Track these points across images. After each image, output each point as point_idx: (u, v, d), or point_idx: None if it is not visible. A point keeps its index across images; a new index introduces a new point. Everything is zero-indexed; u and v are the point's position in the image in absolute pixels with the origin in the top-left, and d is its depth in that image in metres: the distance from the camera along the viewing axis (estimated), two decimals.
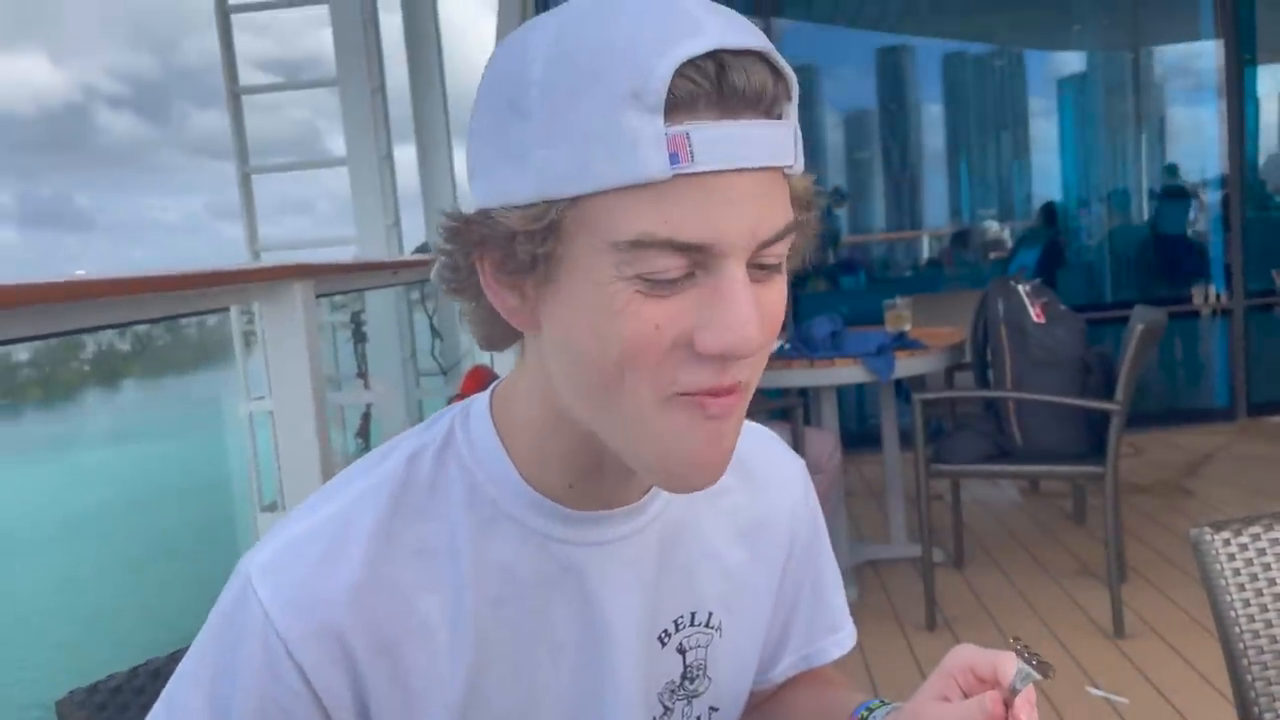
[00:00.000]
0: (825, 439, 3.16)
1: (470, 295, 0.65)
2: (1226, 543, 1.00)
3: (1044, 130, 6.88)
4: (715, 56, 0.54)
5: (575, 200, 0.56)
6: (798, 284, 5.63)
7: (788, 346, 3.26)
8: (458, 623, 0.66)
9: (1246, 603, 0.99)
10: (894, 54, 6.92)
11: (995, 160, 7.23)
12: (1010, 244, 6.64)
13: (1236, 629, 0.98)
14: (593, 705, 0.71)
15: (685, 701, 0.76)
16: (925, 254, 7.14)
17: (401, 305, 4.37)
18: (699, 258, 0.56)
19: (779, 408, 3.21)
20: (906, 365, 3.17)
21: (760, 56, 0.56)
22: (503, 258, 0.60)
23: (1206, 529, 1.01)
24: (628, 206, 0.55)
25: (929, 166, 7.00)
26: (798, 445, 2.91)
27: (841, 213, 6.52)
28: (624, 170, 0.54)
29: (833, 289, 6.29)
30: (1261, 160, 5.84)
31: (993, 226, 6.93)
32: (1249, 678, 0.97)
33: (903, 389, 3.72)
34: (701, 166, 0.54)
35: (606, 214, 0.56)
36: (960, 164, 7.13)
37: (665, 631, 0.74)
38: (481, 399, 0.71)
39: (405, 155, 4.45)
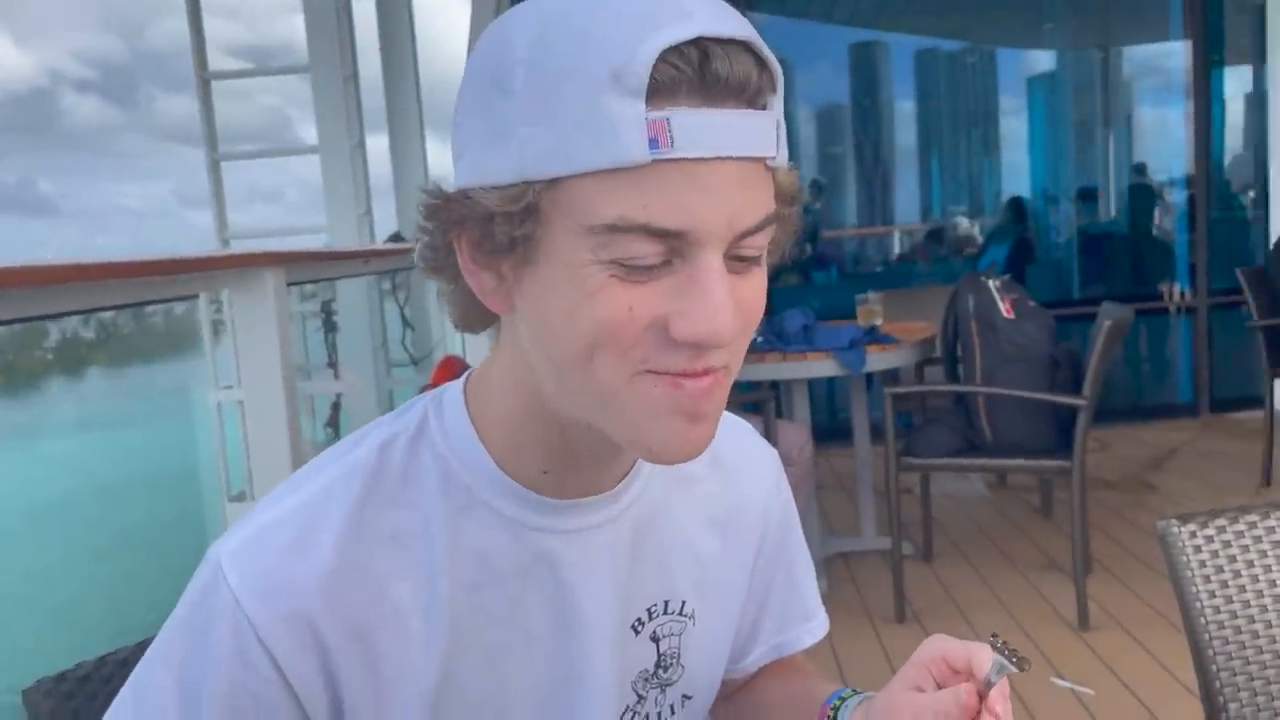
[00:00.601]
0: (797, 431, 3.17)
1: (449, 275, 0.65)
2: (1193, 535, 1.01)
3: (1014, 128, 6.95)
4: (699, 43, 0.54)
5: (554, 182, 0.56)
6: (772, 278, 5.60)
7: (760, 339, 3.27)
8: (431, 610, 0.66)
9: (1212, 594, 1.00)
10: (868, 50, 6.96)
11: (966, 157, 7.29)
12: (981, 240, 6.70)
13: (1202, 620, 0.99)
14: (566, 693, 0.71)
15: (659, 690, 0.77)
16: (897, 249, 7.19)
17: (373, 295, 4.35)
18: (676, 245, 0.56)
19: (751, 400, 3.22)
20: (878, 359, 3.19)
21: (745, 46, 0.56)
22: (480, 238, 0.60)
23: (1173, 521, 1.03)
24: (606, 190, 0.55)
25: (901, 163, 7.05)
26: (770, 437, 2.91)
27: (819, 207, 6.55)
28: (603, 153, 0.54)
29: (805, 283, 6.32)
30: (1227, 161, 5.93)
31: (963, 223, 6.99)
32: (1214, 668, 0.99)
33: (874, 383, 3.74)
34: (681, 153, 0.54)
35: (584, 197, 0.55)
36: (932, 160, 7.18)
37: (639, 620, 0.74)
38: (455, 386, 0.71)
39: (377, 145, 4.42)
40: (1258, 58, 5.49)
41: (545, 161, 0.56)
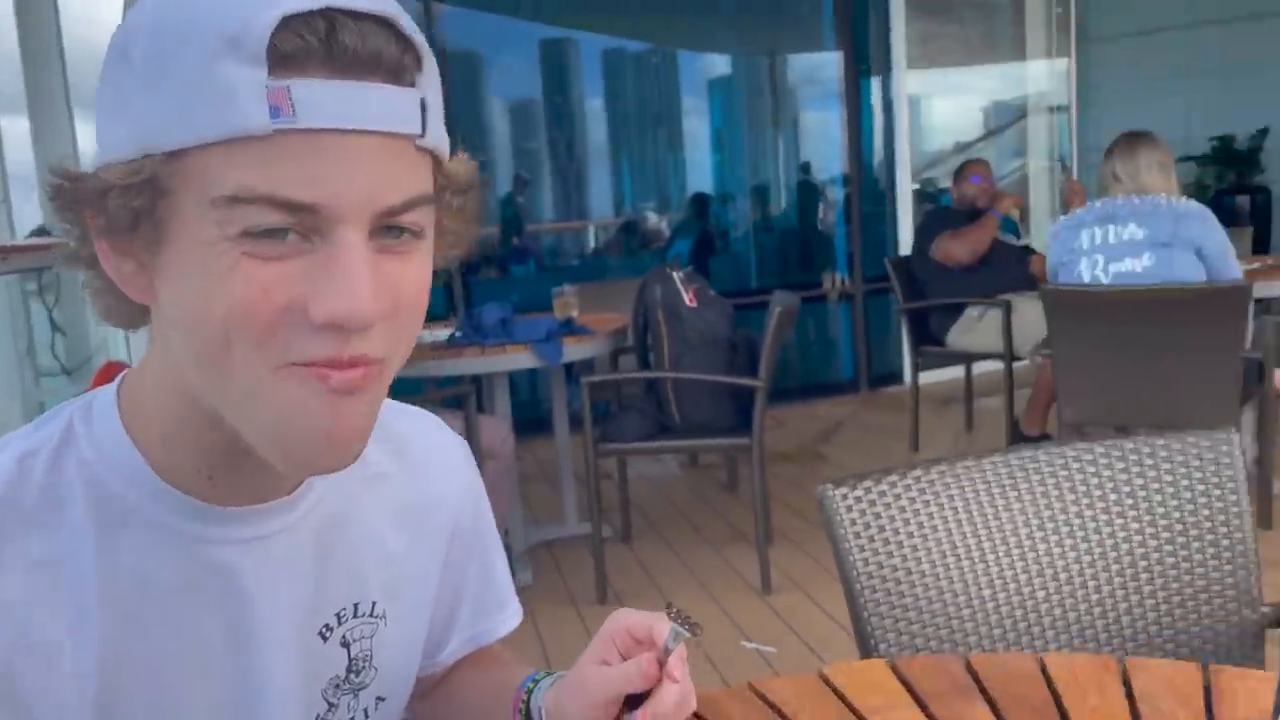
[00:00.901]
0: (499, 425, 3.18)
1: (88, 263, 0.59)
2: (845, 497, 1.13)
3: (696, 127, 7.37)
4: (325, 15, 0.53)
5: (177, 154, 0.53)
6: (471, 271, 5.67)
7: (459, 334, 3.25)
8: (82, 637, 0.60)
9: (862, 548, 1.13)
10: (557, 46, 7.08)
11: (654, 154, 7.64)
12: (667, 234, 7.05)
13: (855, 572, 1.11)
14: (246, 709, 0.67)
15: (351, 695, 0.75)
16: (591, 243, 7.40)
17: (15, 296, 3.85)
18: (310, 221, 0.54)
19: (452, 395, 3.20)
20: (574, 350, 3.26)
21: (381, 21, 0.55)
22: (104, 217, 0.55)
23: (829, 486, 1.14)
24: (228, 161, 0.53)
25: (593, 159, 7.26)
26: (471, 432, 2.91)
27: (521, 200, 6.61)
28: (221, 122, 0.52)
29: (504, 277, 6.36)
30: (875, 161, 6.62)
31: (652, 217, 7.32)
32: (865, 614, 1.11)
33: (572, 373, 3.83)
34: (306, 123, 0.53)
35: (207, 168, 0.53)
36: (622, 157, 7.45)
37: (327, 626, 0.72)
38: (107, 390, 0.65)
39: (17, 128, 3.92)
40: (887, 71, 6.21)
41: (163, 132, 0.53)
